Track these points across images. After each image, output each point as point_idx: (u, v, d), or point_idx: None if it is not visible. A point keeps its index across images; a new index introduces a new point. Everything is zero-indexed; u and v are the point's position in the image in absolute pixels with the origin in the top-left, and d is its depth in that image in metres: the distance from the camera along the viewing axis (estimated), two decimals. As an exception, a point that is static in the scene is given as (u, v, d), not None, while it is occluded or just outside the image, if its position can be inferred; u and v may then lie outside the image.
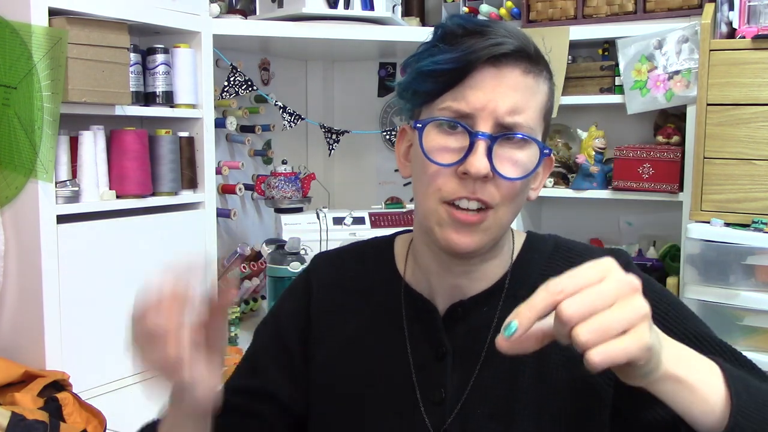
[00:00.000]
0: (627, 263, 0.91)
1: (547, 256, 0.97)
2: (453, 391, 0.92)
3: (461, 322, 0.94)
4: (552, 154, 0.94)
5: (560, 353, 0.90)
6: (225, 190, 2.32)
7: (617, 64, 2.14)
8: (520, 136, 0.85)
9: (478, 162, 0.83)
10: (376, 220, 2.22)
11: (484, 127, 0.84)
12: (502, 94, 0.85)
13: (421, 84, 0.88)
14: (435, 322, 0.95)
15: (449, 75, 0.86)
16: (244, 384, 1.04)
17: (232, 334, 2.10)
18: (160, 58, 1.86)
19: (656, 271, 2.13)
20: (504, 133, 0.85)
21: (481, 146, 0.84)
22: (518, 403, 0.90)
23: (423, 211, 0.89)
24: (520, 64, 0.86)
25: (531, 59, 0.87)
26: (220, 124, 2.19)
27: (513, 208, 0.89)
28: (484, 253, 0.91)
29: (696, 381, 0.72)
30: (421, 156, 0.88)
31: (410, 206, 2.29)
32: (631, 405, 0.85)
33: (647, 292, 0.77)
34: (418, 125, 0.88)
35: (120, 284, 1.78)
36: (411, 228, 1.04)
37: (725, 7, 1.88)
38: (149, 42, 1.90)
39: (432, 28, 0.92)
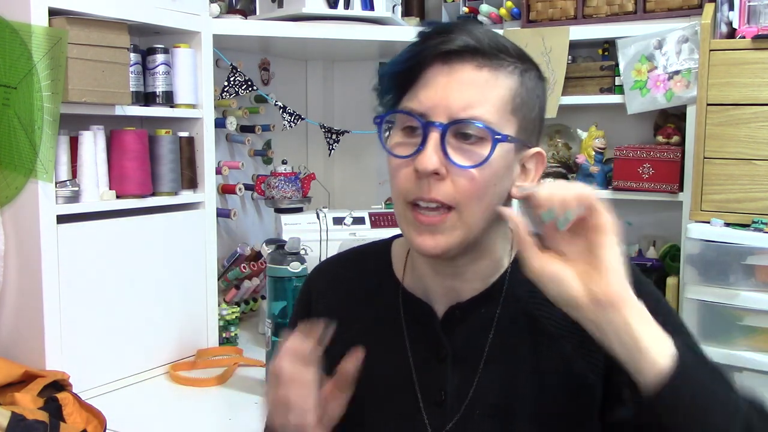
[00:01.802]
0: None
1: None
2: (453, 392, 0.92)
3: (460, 323, 0.94)
4: (531, 147, 0.92)
5: (558, 355, 0.90)
6: (225, 190, 2.32)
7: (617, 64, 2.14)
8: (471, 123, 0.84)
9: (427, 159, 0.83)
10: (376, 220, 2.21)
11: (438, 120, 0.85)
12: (454, 90, 0.85)
13: (385, 87, 0.91)
14: (434, 325, 0.95)
15: (403, 75, 0.88)
16: None
17: (232, 334, 2.10)
18: (160, 58, 1.86)
19: (656, 271, 2.13)
20: (455, 121, 0.84)
21: (433, 139, 0.84)
22: (517, 403, 0.90)
23: (396, 213, 0.91)
24: (472, 59, 0.86)
25: (485, 54, 0.86)
26: (220, 124, 2.19)
27: (482, 206, 0.86)
28: (464, 253, 0.90)
29: (647, 335, 0.76)
30: (388, 158, 0.89)
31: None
32: (608, 405, 0.88)
33: (646, 297, 0.80)
34: (376, 121, 0.90)
35: (120, 284, 1.78)
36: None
37: (725, 7, 1.88)
38: (149, 42, 1.90)
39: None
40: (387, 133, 0.94)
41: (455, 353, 0.93)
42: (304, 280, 1.12)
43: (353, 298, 1.03)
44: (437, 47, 0.85)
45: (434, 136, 0.84)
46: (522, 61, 0.90)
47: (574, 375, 0.89)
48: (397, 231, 1.09)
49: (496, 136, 0.85)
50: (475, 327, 0.94)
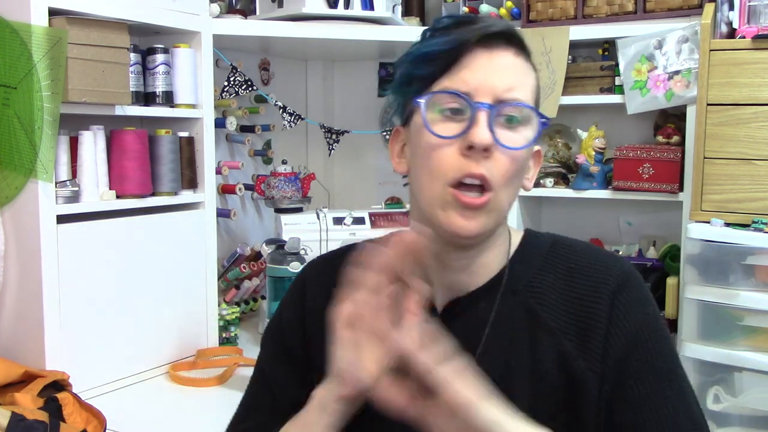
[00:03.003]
0: (626, 280, 0.92)
1: (545, 253, 0.97)
2: None
3: (459, 317, 0.95)
4: (541, 147, 0.96)
5: (555, 350, 0.91)
6: (225, 190, 2.32)
7: (617, 64, 2.14)
8: (520, 105, 0.87)
9: (482, 132, 0.84)
10: (376, 220, 2.21)
11: (484, 101, 0.86)
12: (497, 73, 0.87)
13: (417, 68, 0.90)
14: (433, 319, 0.95)
15: (444, 57, 0.88)
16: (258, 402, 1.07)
17: (232, 334, 2.10)
18: (160, 58, 1.86)
19: (656, 271, 2.13)
20: (504, 103, 0.86)
21: (482, 117, 0.85)
22: (515, 399, 0.90)
23: (427, 198, 0.89)
24: (510, 46, 0.89)
25: (521, 43, 0.90)
26: (220, 124, 2.19)
27: (511, 191, 0.89)
28: (483, 241, 0.92)
29: None
30: (421, 136, 0.89)
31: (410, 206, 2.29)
32: (608, 409, 0.89)
33: (644, 315, 0.83)
34: (419, 100, 0.88)
35: (120, 284, 1.78)
36: (407, 228, 1.04)
37: (725, 7, 1.88)
38: (149, 42, 1.90)
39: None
40: (404, 116, 0.94)
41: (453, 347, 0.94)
42: (299, 272, 1.10)
43: (349, 291, 1.02)
44: (480, 30, 0.87)
45: (482, 116, 0.85)
46: (534, 65, 0.94)
47: (572, 371, 0.90)
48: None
49: (542, 120, 0.89)
50: (473, 320, 0.94)
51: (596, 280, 0.93)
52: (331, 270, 1.06)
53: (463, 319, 0.94)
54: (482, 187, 0.86)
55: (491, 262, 0.95)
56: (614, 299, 0.91)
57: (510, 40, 0.89)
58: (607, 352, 0.89)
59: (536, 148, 0.96)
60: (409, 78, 0.91)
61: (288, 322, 1.07)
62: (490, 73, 0.87)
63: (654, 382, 0.89)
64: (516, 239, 1.00)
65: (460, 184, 0.86)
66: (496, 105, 0.86)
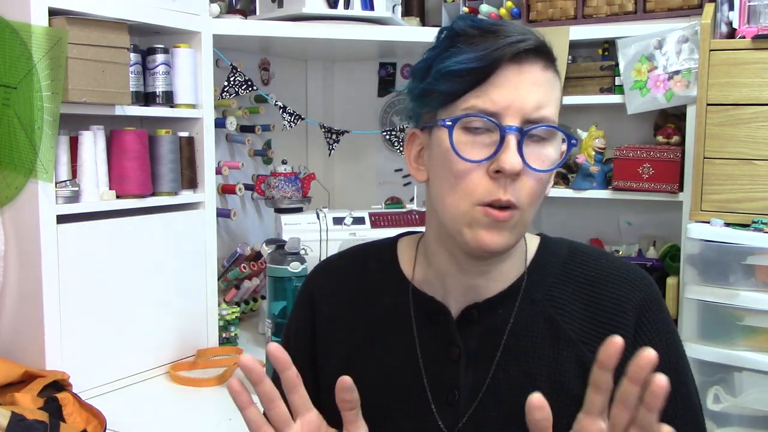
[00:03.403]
0: (649, 295, 0.93)
1: (563, 260, 0.97)
2: (467, 392, 0.91)
3: (475, 323, 0.94)
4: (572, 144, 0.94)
5: (576, 360, 0.90)
6: (225, 190, 2.32)
7: (617, 64, 2.14)
8: (550, 127, 0.86)
9: (512, 158, 0.83)
10: (376, 220, 2.21)
11: (513, 123, 0.84)
12: (526, 91, 0.85)
13: (444, 84, 0.86)
14: (448, 324, 0.94)
15: (474, 74, 0.85)
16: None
17: (232, 334, 2.10)
18: (160, 58, 1.86)
19: (656, 271, 2.13)
20: (534, 126, 0.85)
21: (512, 141, 0.83)
22: None
23: (451, 214, 0.88)
24: (539, 60, 0.87)
25: (548, 56, 0.88)
26: (220, 124, 2.19)
27: (536, 206, 0.89)
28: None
29: None
30: (446, 157, 0.86)
31: (410, 206, 2.29)
32: None
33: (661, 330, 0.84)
34: (447, 123, 0.86)
35: (120, 284, 1.78)
36: (413, 230, 1.03)
37: (725, 7, 1.88)
38: (149, 42, 1.90)
39: (435, 29, 0.92)
40: (422, 123, 0.92)
41: (469, 353, 0.93)
42: (304, 281, 1.10)
43: (359, 298, 1.01)
44: (514, 47, 0.84)
45: (512, 139, 0.83)
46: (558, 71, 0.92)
47: None
48: (396, 231, 1.09)
49: (572, 141, 0.89)
50: (490, 327, 0.93)
51: (620, 293, 0.93)
52: (335, 277, 1.06)
53: (480, 325, 0.94)
54: (509, 207, 0.86)
55: (509, 269, 0.95)
56: (641, 315, 0.92)
57: (541, 53, 0.87)
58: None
59: None
60: (433, 92, 0.88)
61: (296, 330, 1.06)
62: (519, 91, 0.85)
63: (671, 397, 0.89)
64: (532, 245, 0.99)
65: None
66: (525, 126, 0.84)
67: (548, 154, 0.87)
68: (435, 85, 0.87)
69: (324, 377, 0.99)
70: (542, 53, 0.87)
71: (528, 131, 0.84)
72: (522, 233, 0.90)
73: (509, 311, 0.93)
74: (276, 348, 0.80)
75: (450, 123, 0.86)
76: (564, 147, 0.90)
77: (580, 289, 0.94)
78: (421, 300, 0.97)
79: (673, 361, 0.92)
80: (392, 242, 1.05)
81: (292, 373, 0.80)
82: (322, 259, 1.16)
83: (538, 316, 0.93)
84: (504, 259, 0.93)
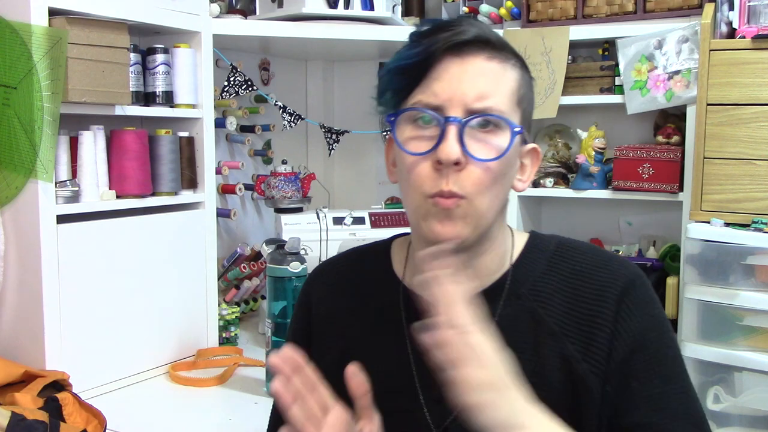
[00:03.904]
0: (632, 283, 0.93)
1: (549, 256, 0.97)
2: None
3: None
4: (528, 143, 0.94)
5: (559, 353, 0.91)
6: (225, 190, 2.32)
7: (617, 64, 2.14)
8: (490, 116, 0.86)
9: (449, 148, 0.84)
10: (376, 220, 2.21)
11: (455, 114, 0.86)
12: (467, 81, 0.86)
13: (392, 82, 0.90)
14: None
15: (414, 69, 0.88)
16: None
17: (232, 334, 2.10)
18: (160, 58, 1.86)
19: (656, 271, 2.13)
20: (474, 116, 0.86)
21: (452, 131, 0.85)
22: None
23: (410, 208, 0.91)
24: (482, 50, 0.88)
25: (493, 46, 0.89)
26: (220, 124, 2.19)
27: (491, 196, 0.89)
28: (472, 245, 0.92)
29: None
30: (399, 153, 0.90)
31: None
32: (612, 410, 0.89)
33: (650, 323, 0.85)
34: (390, 118, 0.90)
35: (120, 284, 1.78)
36: (408, 230, 1.04)
37: (725, 7, 1.88)
38: (149, 42, 1.90)
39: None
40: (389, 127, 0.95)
41: None
42: (303, 284, 1.12)
43: (353, 298, 1.03)
44: (450, 39, 0.87)
45: (452, 130, 0.85)
46: (518, 58, 0.93)
47: (575, 375, 0.90)
48: (396, 231, 1.09)
49: (515, 129, 0.88)
50: None
51: (601, 283, 0.93)
52: (332, 278, 1.07)
53: None
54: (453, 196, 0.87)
55: (490, 265, 0.95)
56: (620, 301, 0.91)
57: (484, 44, 0.88)
58: (611, 353, 0.89)
59: (531, 146, 0.95)
60: (386, 91, 0.92)
61: (294, 332, 1.08)
62: (460, 82, 0.86)
63: (659, 385, 0.89)
64: (520, 242, 0.99)
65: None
66: (466, 117, 0.86)
67: (496, 143, 0.87)
68: (386, 84, 0.91)
69: (319, 376, 1.00)
70: (485, 43, 0.88)
71: (467, 121, 0.86)
72: (478, 224, 0.89)
73: (494, 308, 0.94)
74: (286, 352, 0.81)
75: (393, 119, 0.90)
76: (515, 139, 0.90)
77: (564, 283, 0.94)
78: (410, 299, 0.98)
79: (652, 348, 0.90)
80: (387, 243, 1.07)
81: (308, 372, 0.82)
82: (322, 260, 1.17)
83: (523, 310, 0.94)
84: (480, 253, 0.94)
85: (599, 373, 0.89)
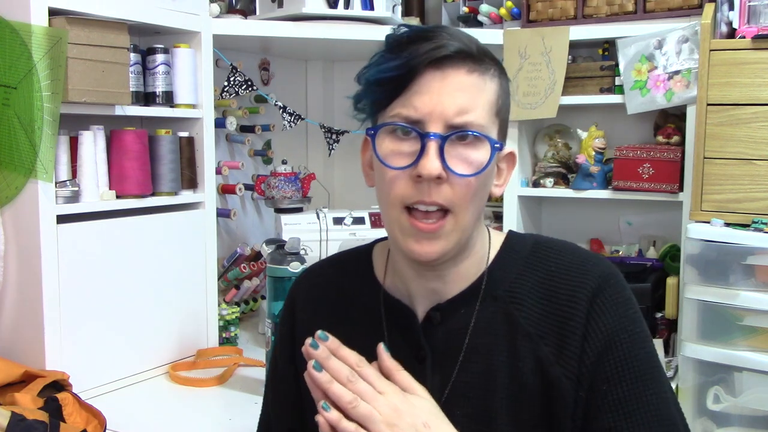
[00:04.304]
0: (605, 282, 0.92)
1: (525, 256, 0.97)
2: (434, 392, 0.92)
3: (440, 325, 0.95)
4: (504, 148, 0.94)
5: (534, 355, 0.91)
6: (225, 190, 2.32)
7: (617, 64, 2.14)
8: (470, 133, 0.86)
9: (430, 163, 0.84)
10: (376, 220, 2.21)
11: (435, 129, 0.85)
12: (448, 96, 0.86)
13: (370, 94, 0.90)
14: (414, 327, 0.96)
15: (395, 82, 0.87)
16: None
17: (232, 334, 2.10)
18: (160, 58, 1.86)
19: (656, 271, 2.13)
20: (454, 132, 0.86)
21: (432, 147, 0.85)
22: (496, 404, 0.90)
23: (387, 219, 0.91)
24: (463, 64, 0.87)
25: (474, 58, 0.88)
26: (220, 124, 2.19)
27: (473, 209, 0.89)
28: (452, 257, 0.92)
29: None
30: (378, 164, 0.89)
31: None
32: (582, 413, 0.89)
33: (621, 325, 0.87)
34: (370, 132, 0.90)
35: (120, 284, 1.78)
36: None
37: (725, 7, 1.88)
38: (149, 42, 1.90)
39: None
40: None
41: (434, 354, 0.94)
42: (289, 289, 1.13)
43: (335, 303, 1.03)
44: (432, 53, 0.86)
45: (432, 146, 0.85)
46: (497, 64, 0.92)
47: (549, 377, 0.89)
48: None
49: (495, 145, 0.88)
50: (454, 327, 0.94)
51: (575, 283, 0.92)
52: (316, 282, 1.07)
53: (444, 326, 0.95)
54: (442, 211, 0.87)
55: (468, 269, 0.95)
56: (592, 302, 0.90)
57: (465, 57, 0.87)
58: (583, 355, 0.89)
59: (508, 150, 0.95)
60: (365, 102, 0.92)
61: (280, 338, 1.10)
62: (441, 97, 0.86)
63: (631, 385, 0.88)
64: (497, 242, 0.99)
65: (415, 210, 0.87)
66: (447, 132, 0.85)
67: (476, 157, 0.87)
68: (364, 95, 0.92)
69: (303, 381, 1.00)
70: (467, 57, 0.87)
71: (448, 137, 0.85)
72: (460, 238, 0.89)
73: (471, 310, 0.94)
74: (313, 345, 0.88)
75: (372, 132, 0.90)
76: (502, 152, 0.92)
77: (539, 284, 0.94)
78: (391, 304, 0.99)
79: (623, 349, 0.89)
80: (368, 248, 1.07)
81: (345, 354, 0.88)
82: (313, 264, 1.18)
83: (499, 313, 0.93)
84: (458, 261, 0.94)
85: (572, 376, 0.89)
